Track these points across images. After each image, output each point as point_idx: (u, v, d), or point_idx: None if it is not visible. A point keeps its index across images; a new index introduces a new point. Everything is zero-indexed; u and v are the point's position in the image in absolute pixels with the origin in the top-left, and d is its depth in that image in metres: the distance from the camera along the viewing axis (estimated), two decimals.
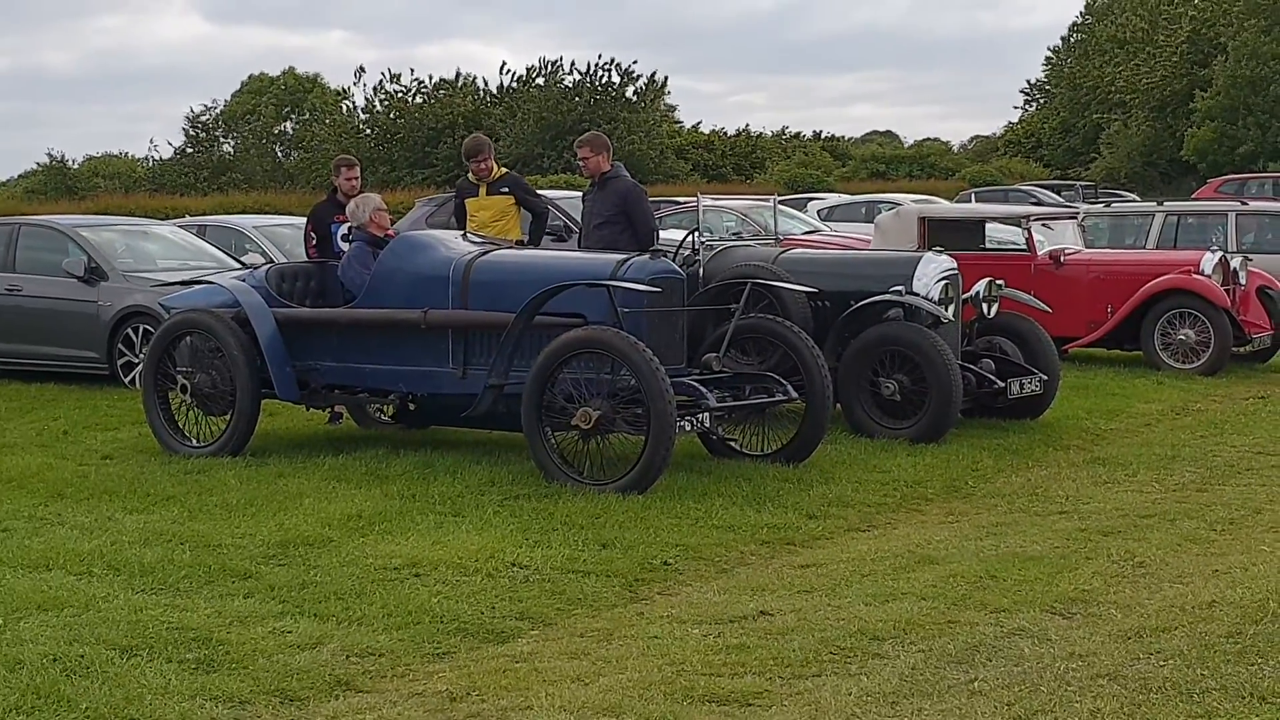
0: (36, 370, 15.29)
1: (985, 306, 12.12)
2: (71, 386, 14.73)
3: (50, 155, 66.78)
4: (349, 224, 11.29)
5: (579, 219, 12.92)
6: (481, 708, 5.46)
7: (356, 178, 12.70)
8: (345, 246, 11.55)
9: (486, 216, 12.29)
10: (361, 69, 70.51)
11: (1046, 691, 5.43)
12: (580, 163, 12.11)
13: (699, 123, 74.43)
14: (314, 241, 12.52)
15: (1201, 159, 54.82)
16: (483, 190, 12.42)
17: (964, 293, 11.87)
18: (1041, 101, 74.89)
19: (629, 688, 5.60)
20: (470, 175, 12.58)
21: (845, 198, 33.62)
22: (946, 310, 11.41)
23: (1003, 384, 11.64)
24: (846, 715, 5.26)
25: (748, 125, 74.78)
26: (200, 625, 6.39)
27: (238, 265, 14.94)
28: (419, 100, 63.81)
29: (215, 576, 7.25)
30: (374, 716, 5.37)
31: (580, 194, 13.09)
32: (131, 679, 5.70)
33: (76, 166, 68.56)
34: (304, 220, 15.48)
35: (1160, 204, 20.53)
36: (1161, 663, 5.71)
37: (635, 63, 67.77)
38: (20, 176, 74.09)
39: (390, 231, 11.27)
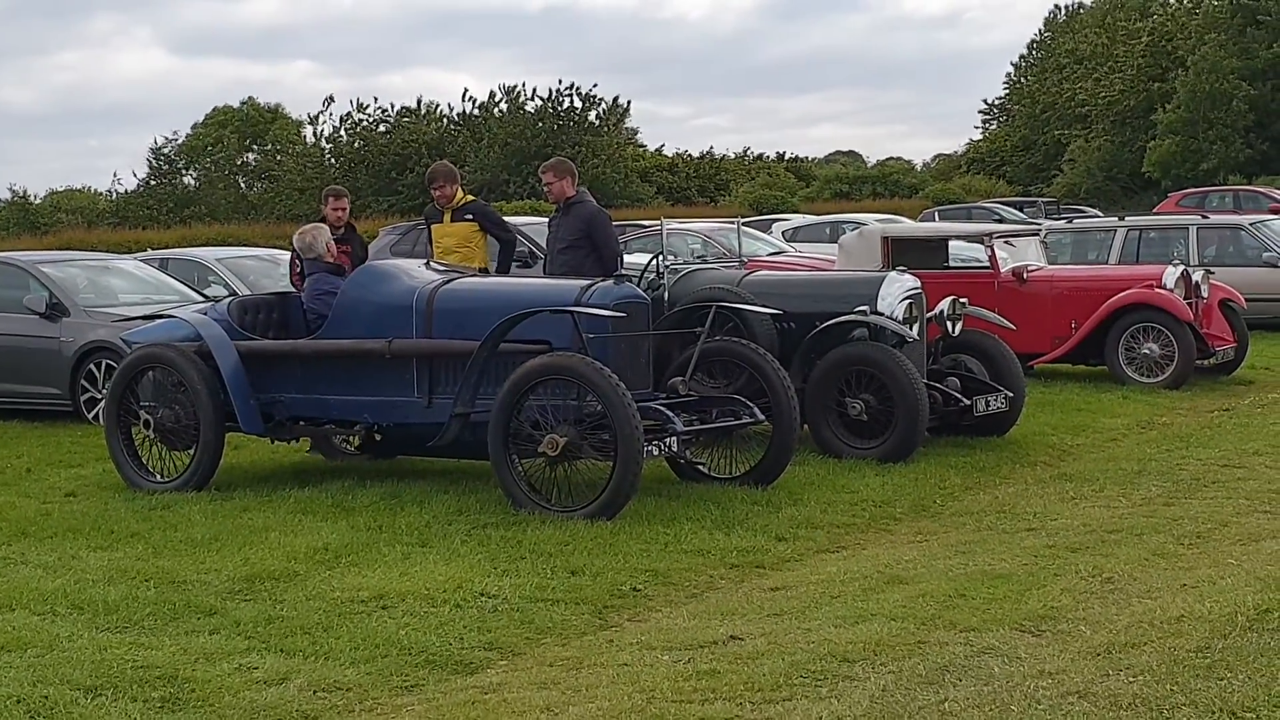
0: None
1: (950, 325, 12.14)
2: (34, 423, 14.62)
3: (12, 190, 66.55)
4: (304, 257, 11.23)
5: (544, 244, 12.90)
6: None
7: (344, 208, 12.68)
8: None
9: (450, 243, 12.25)
10: (330, 98, 70.52)
11: (1017, 710, 5.42)
12: (545, 188, 12.10)
13: (662, 146, 74.59)
14: (299, 269, 12.45)
15: (1164, 173, 55.18)
16: (447, 217, 12.38)
17: (928, 311, 11.89)
18: (1002, 119, 75.33)
19: (599, 716, 5.56)
20: (435, 203, 12.56)
21: (810, 218, 33.73)
22: (911, 329, 11.42)
23: (969, 401, 11.66)
24: None
25: (711, 148, 75.05)
26: (165, 663, 6.33)
27: (200, 298, 14.87)
28: (383, 129, 63.78)
29: (180, 613, 7.18)
30: None
31: (546, 220, 13.06)
32: (97, 719, 5.63)
33: (39, 201, 68.26)
34: (268, 251, 15.47)
35: (1122, 219, 20.67)
36: (1131, 679, 5.71)
37: (595, 86, 67.76)
38: None
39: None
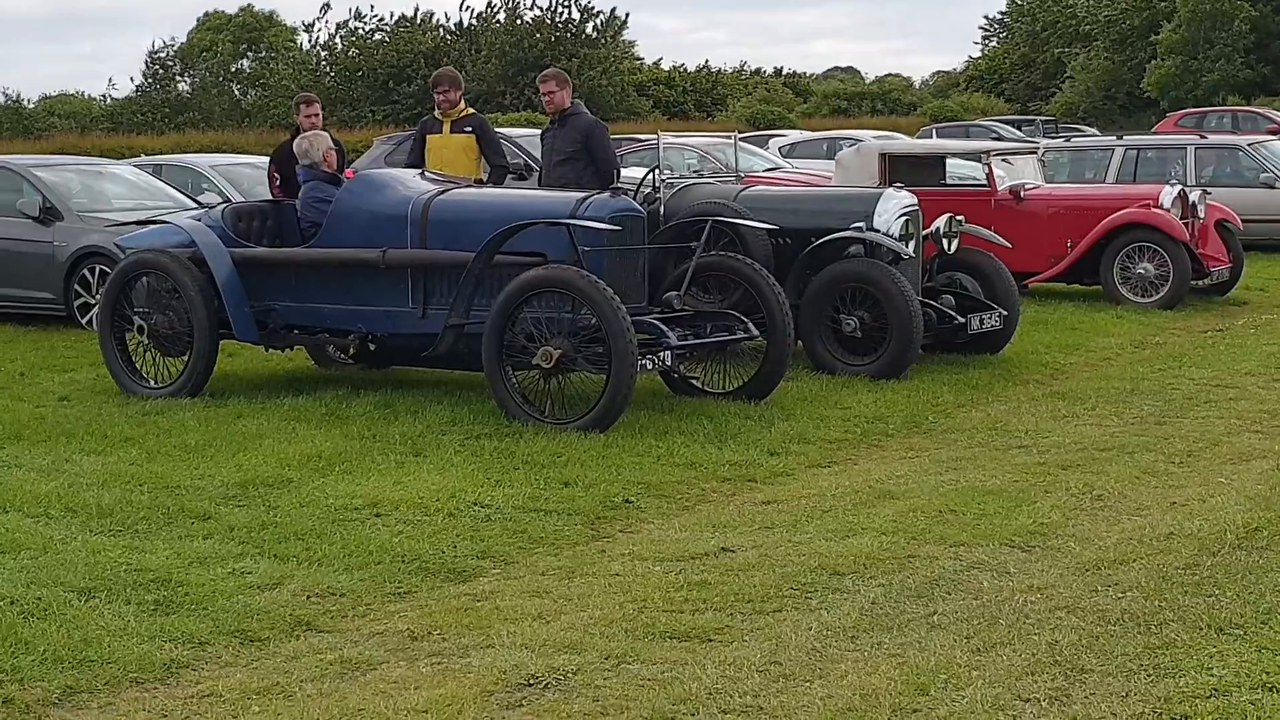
0: None
1: (945, 242, 12.11)
2: (28, 327, 14.60)
3: (5, 94, 65.98)
4: (300, 162, 11.13)
5: (540, 157, 12.80)
6: (443, 646, 5.46)
7: (317, 114, 12.54)
8: None
9: (448, 155, 12.14)
10: (327, 5, 69.65)
11: (1005, 624, 5.47)
12: (544, 98, 11.98)
13: (660, 59, 74.16)
14: (278, 182, 12.38)
15: (1163, 93, 54.88)
16: (446, 127, 12.27)
17: (924, 229, 11.86)
18: (1002, 36, 74.78)
19: (590, 625, 5.61)
20: (436, 112, 12.42)
21: (807, 134, 33.55)
22: (907, 246, 11.40)
23: (963, 319, 11.65)
24: (807, 649, 5.28)
25: (708, 61, 74.52)
26: (159, 567, 6.36)
27: (194, 205, 14.80)
28: (379, 38, 63.22)
29: (174, 518, 7.21)
30: (335, 656, 5.36)
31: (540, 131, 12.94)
32: (90, 621, 5.68)
33: (32, 106, 67.73)
34: (263, 159, 15.38)
35: (1120, 138, 20.58)
36: (1120, 595, 5.76)
37: None
38: None
39: (349, 172, 11.17)
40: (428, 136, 12.28)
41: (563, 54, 57.87)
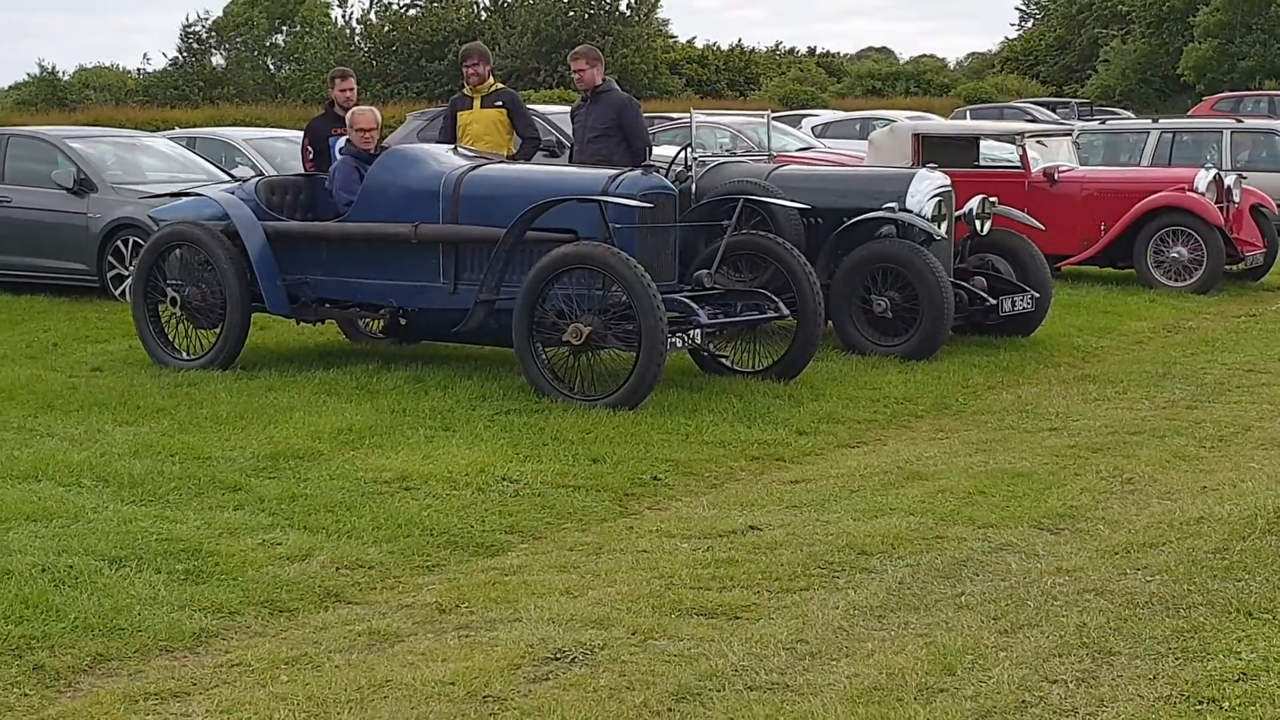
0: (26, 282, 15.24)
1: (978, 224, 12.07)
2: (61, 298, 14.68)
3: (41, 66, 66.33)
4: (348, 134, 11.13)
5: (571, 133, 12.78)
6: (470, 619, 5.49)
7: (351, 89, 12.52)
8: None
9: (478, 130, 12.13)
10: None
11: (1033, 605, 5.46)
12: (575, 75, 11.97)
13: (693, 38, 73.95)
14: (311, 156, 12.39)
15: (1199, 77, 54.49)
16: (476, 103, 12.25)
17: (957, 210, 11.82)
18: (1038, 17, 74.32)
19: (618, 600, 5.62)
20: (465, 88, 12.41)
21: (840, 114, 33.41)
22: (939, 227, 11.36)
23: (994, 301, 11.62)
24: (834, 628, 5.28)
25: (741, 40, 74.30)
26: (189, 537, 6.40)
27: (227, 178, 14.84)
28: (413, 13, 63.27)
29: (205, 489, 7.25)
30: (363, 628, 5.39)
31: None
32: (120, 589, 5.72)
33: (67, 78, 68.01)
34: (296, 133, 15.41)
35: (1155, 121, 20.44)
36: (1148, 578, 5.74)
37: None
38: (10, 87, 73.41)
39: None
40: (459, 113, 12.28)
41: (596, 31, 57.85)
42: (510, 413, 8.97)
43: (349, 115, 11.14)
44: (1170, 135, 19.15)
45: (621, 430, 8.50)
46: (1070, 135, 17.34)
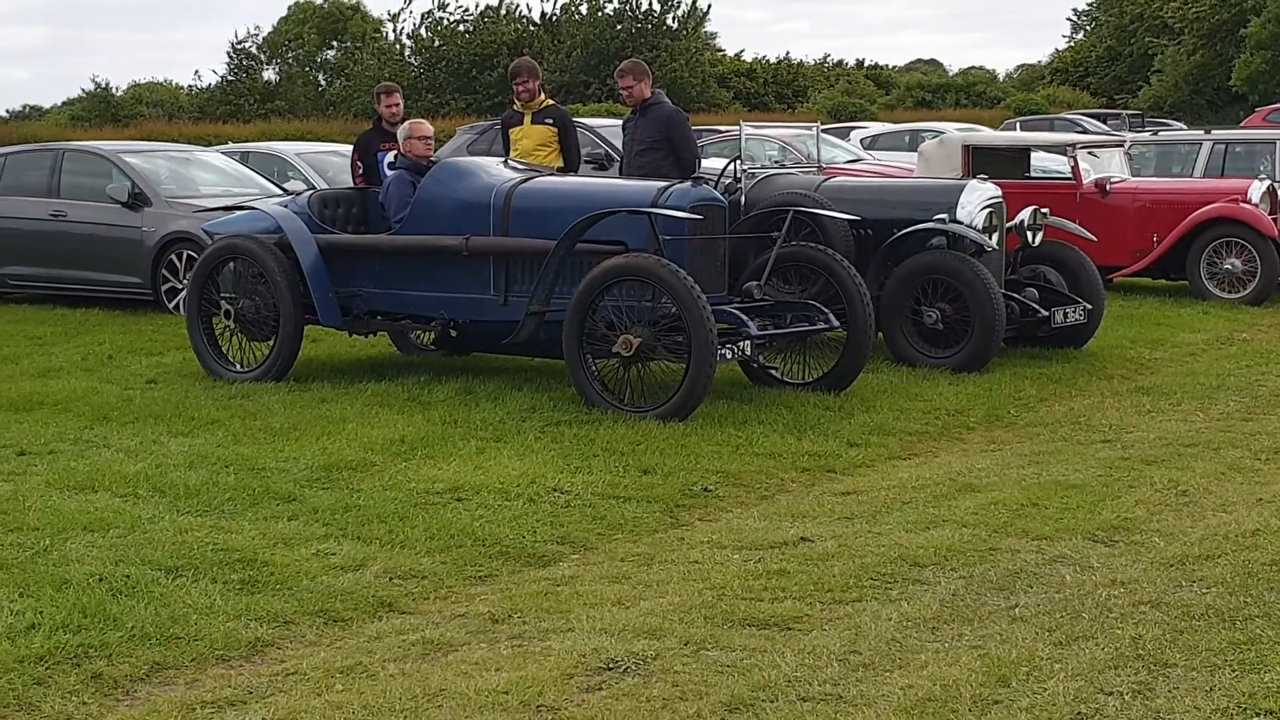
0: (81, 295, 15.40)
1: (1029, 235, 12.03)
2: (115, 312, 14.82)
3: (95, 82, 66.98)
4: (401, 148, 11.20)
5: (620, 147, 12.81)
6: (523, 629, 5.50)
7: (398, 104, 12.60)
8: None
9: (529, 145, 12.17)
10: None
11: (1088, 618, 5.43)
12: (623, 91, 11.98)
13: (741, 51, 73.96)
14: (360, 170, 12.47)
15: (1251, 88, 54.08)
16: (527, 119, 12.29)
17: (1008, 221, 11.77)
18: (1089, 29, 73.95)
19: (670, 611, 5.62)
20: (516, 104, 12.45)
21: (888, 126, 33.33)
22: (990, 238, 11.32)
23: (1046, 313, 11.57)
24: (886, 640, 5.27)
25: (789, 54, 74.25)
26: (245, 547, 6.44)
27: (280, 192, 14.96)
28: (463, 28, 63.54)
29: (259, 499, 7.30)
30: (417, 637, 5.41)
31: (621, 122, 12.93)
32: (177, 599, 5.76)
33: (121, 94, 68.66)
34: (347, 147, 15.52)
35: (1208, 132, 20.30)
36: (1204, 590, 5.70)
37: None
38: (65, 103, 74.22)
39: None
40: (510, 130, 12.31)
41: (644, 45, 57.94)
42: (560, 424, 8.99)
43: (407, 125, 11.19)
44: (1223, 146, 19.00)
45: (672, 442, 8.51)
46: (1122, 146, 17.25)
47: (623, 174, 12.01)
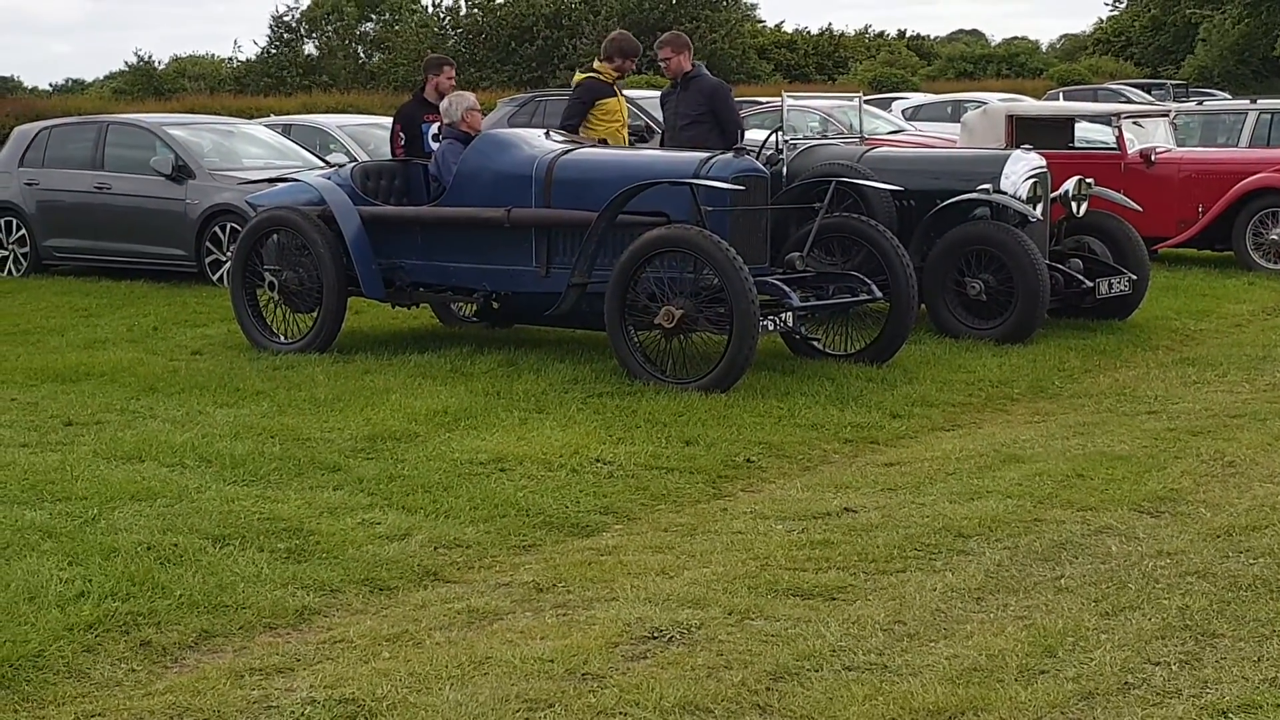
0: (126, 267, 15.49)
1: (1074, 205, 11.94)
2: (160, 284, 14.91)
3: (137, 55, 67.21)
4: (443, 121, 11.19)
5: (660, 119, 12.74)
6: (568, 598, 5.52)
7: (453, 78, 12.54)
8: (435, 146, 11.50)
9: (621, 119, 12.04)
10: None
11: (1134, 588, 5.41)
12: (662, 64, 11.89)
13: (782, 22, 73.77)
14: (402, 142, 12.45)
15: None
16: (619, 95, 12.09)
17: (1053, 191, 11.70)
18: None
19: (713, 581, 5.63)
20: (608, 73, 11.98)
21: (930, 97, 33.16)
22: (1035, 209, 11.25)
23: (1091, 284, 11.50)
24: (931, 609, 5.27)
25: (830, 24, 73.89)
26: (291, 516, 6.48)
27: (323, 164, 14.99)
28: (500, 1, 63.43)
29: (305, 469, 7.34)
30: (462, 606, 5.44)
31: (659, 94, 12.83)
32: (224, 567, 5.81)
33: (163, 67, 68.85)
34: (388, 120, 15.52)
35: (1253, 102, 20.11)
36: (1251, 560, 5.68)
37: None
38: (107, 77, 74.59)
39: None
40: (601, 100, 11.92)
41: (684, 16, 57.70)
42: (603, 395, 9.00)
43: (455, 98, 11.12)
44: (1269, 116, 18.82)
45: (714, 413, 8.51)
46: (1167, 116, 17.11)
47: (665, 146, 11.94)
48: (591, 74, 12.07)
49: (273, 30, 69.32)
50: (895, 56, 64.55)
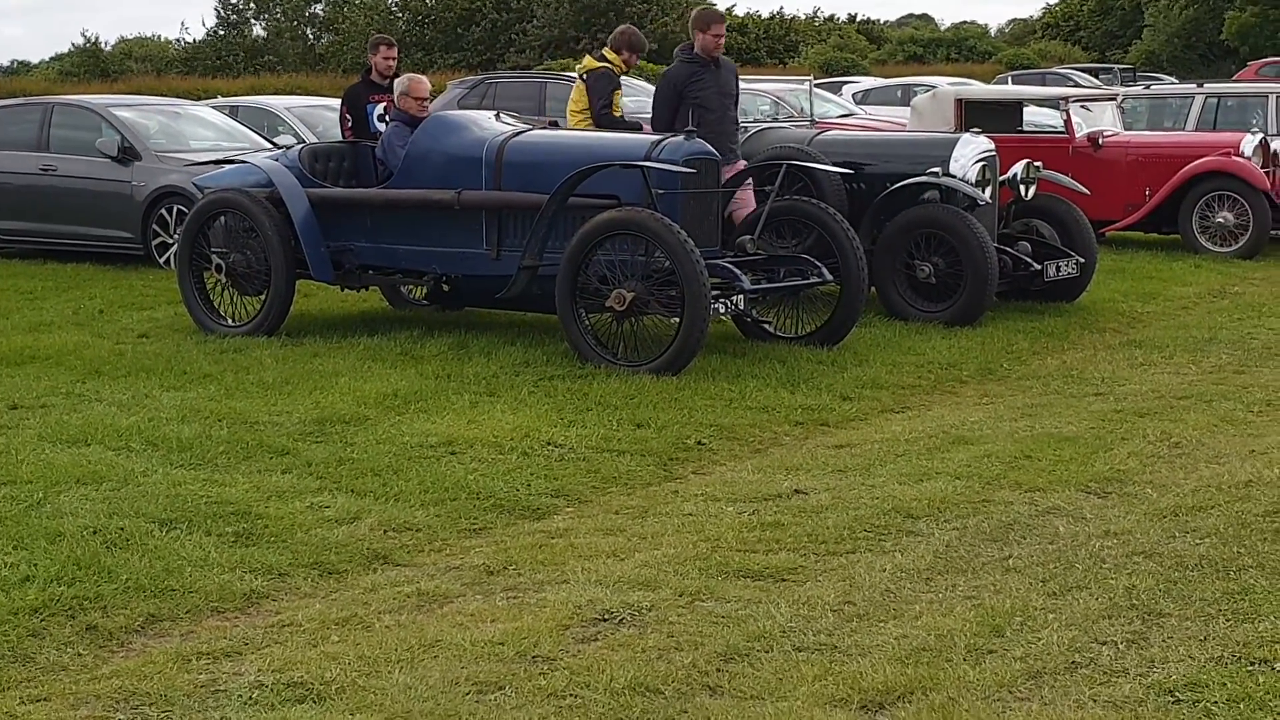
0: (71, 250, 15.34)
1: (1022, 189, 12.01)
2: (106, 266, 14.77)
3: (84, 36, 66.54)
4: (397, 103, 11.09)
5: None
6: (518, 581, 5.51)
7: (394, 57, 12.49)
8: (381, 127, 11.44)
9: (620, 112, 11.93)
10: None
11: (1082, 568, 5.45)
12: (718, 39, 11.27)
13: (733, 5, 73.51)
14: (349, 124, 12.39)
15: (1243, 41, 53.94)
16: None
17: (1001, 175, 11.75)
18: None
19: (664, 563, 5.63)
20: (619, 64, 11.71)
21: (880, 81, 33.25)
22: (983, 192, 11.30)
23: (1039, 266, 11.56)
24: (881, 590, 5.29)
25: (781, 9, 73.91)
26: (239, 500, 6.44)
27: (270, 146, 14.88)
28: None
29: (253, 453, 7.30)
30: (412, 589, 5.42)
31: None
32: (171, 551, 5.77)
33: (110, 48, 68.21)
34: (336, 101, 15.43)
35: (1200, 86, 20.26)
36: (1198, 541, 5.72)
37: None
38: (53, 58, 73.79)
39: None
40: (616, 92, 11.74)
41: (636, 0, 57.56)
42: (554, 378, 8.98)
43: (404, 82, 11.03)
44: (1215, 100, 18.98)
45: (665, 395, 8.51)
46: (1115, 100, 17.22)
47: (707, 131, 11.19)
48: (605, 64, 11.87)
49: (220, 12, 68.82)
50: (845, 40, 64.68)
